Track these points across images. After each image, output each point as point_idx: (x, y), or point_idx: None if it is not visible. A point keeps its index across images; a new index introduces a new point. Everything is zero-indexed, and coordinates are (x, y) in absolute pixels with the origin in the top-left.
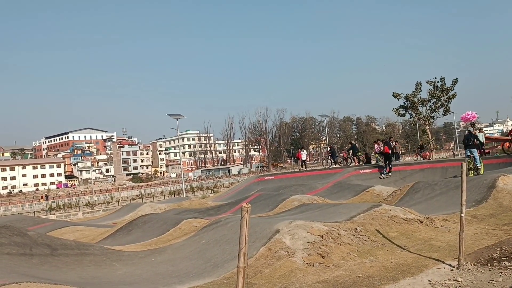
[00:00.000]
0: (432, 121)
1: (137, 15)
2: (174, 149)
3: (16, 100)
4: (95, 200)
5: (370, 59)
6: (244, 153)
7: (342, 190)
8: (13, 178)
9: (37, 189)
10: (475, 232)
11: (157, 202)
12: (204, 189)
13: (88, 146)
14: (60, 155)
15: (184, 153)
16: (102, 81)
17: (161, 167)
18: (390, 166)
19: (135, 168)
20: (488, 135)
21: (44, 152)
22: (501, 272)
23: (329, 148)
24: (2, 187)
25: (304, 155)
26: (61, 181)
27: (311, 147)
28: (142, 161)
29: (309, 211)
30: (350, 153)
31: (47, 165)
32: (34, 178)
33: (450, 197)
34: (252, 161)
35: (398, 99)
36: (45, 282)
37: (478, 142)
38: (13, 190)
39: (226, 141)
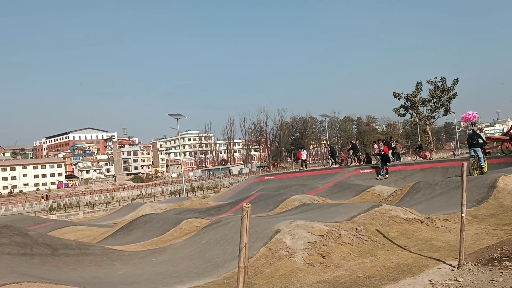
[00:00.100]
0: (432, 121)
1: (137, 15)
2: (175, 149)
3: (16, 100)
4: (95, 200)
5: (371, 59)
6: (245, 153)
7: (342, 190)
8: (13, 178)
9: (37, 189)
10: (475, 232)
11: (158, 202)
12: (204, 189)
13: (89, 146)
14: (60, 155)
15: (184, 153)
16: (102, 81)
17: (162, 167)
18: (387, 167)
19: (136, 168)
20: (488, 135)
21: (44, 152)
22: (502, 272)
23: (329, 148)
24: (3, 187)
25: (304, 155)
26: (62, 181)
27: (311, 147)
28: (143, 161)
29: (310, 211)
30: (351, 153)
31: (47, 165)
32: (34, 178)
33: (451, 197)
34: (253, 161)
35: (399, 99)
36: (46, 282)
37: (482, 141)
38: (13, 190)
39: (227, 141)
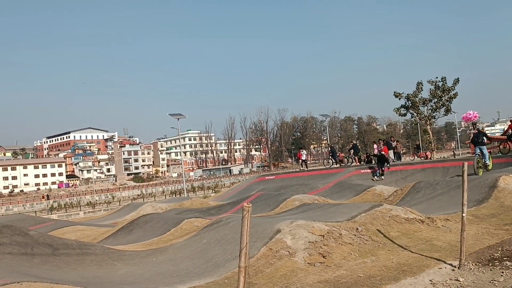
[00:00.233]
0: (433, 120)
1: (137, 15)
2: (175, 148)
3: (17, 100)
4: (96, 200)
5: (371, 58)
6: (245, 153)
7: (343, 190)
8: (14, 177)
9: (38, 189)
10: (476, 232)
11: (158, 201)
12: (205, 188)
13: (89, 146)
14: (61, 155)
15: (185, 152)
16: (103, 81)
17: (162, 167)
18: (383, 169)
19: (136, 168)
20: (489, 134)
21: (45, 152)
22: (503, 272)
23: (329, 148)
24: (4, 186)
25: (304, 155)
26: (62, 181)
27: (312, 146)
28: (143, 160)
29: (310, 210)
30: (351, 152)
31: (48, 165)
32: (35, 177)
33: (452, 197)
34: (253, 161)
35: (399, 99)
36: (47, 282)
37: (488, 140)
38: (14, 190)
39: (227, 141)
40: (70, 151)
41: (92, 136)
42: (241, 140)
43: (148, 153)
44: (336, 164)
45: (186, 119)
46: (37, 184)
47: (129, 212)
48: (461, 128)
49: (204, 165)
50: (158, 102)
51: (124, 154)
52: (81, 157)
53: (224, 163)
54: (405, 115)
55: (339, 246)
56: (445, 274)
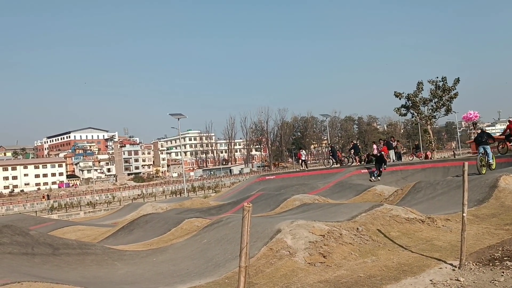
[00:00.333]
0: (433, 120)
1: (137, 15)
2: (176, 148)
3: (17, 100)
4: (96, 200)
5: (371, 58)
6: (246, 153)
7: (343, 190)
8: (14, 177)
9: (38, 189)
10: (477, 232)
11: (159, 201)
12: (205, 188)
13: (90, 146)
14: (61, 155)
15: (185, 152)
16: (103, 81)
17: (163, 167)
18: (381, 169)
19: (137, 168)
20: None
21: (45, 152)
22: (503, 272)
23: (330, 148)
24: (4, 186)
25: (303, 155)
26: (63, 181)
27: (312, 146)
28: (144, 160)
29: (311, 210)
30: (352, 152)
31: (48, 165)
32: (35, 177)
33: (452, 197)
34: (254, 161)
35: (400, 99)
36: (47, 282)
37: (492, 140)
38: (14, 190)
39: (228, 141)
40: (70, 151)
41: (92, 136)
42: (241, 140)
43: (149, 153)
44: (337, 164)
45: (186, 119)
46: (37, 184)
47: (130, 212)
48: (461, 128)
49: (204, 165)
50: (158, 102)
51: (124, 154)
52: (82, 157)
53: (224, 163)
54: (405, 115)
55: (339, 246)
56: (445, 274)
